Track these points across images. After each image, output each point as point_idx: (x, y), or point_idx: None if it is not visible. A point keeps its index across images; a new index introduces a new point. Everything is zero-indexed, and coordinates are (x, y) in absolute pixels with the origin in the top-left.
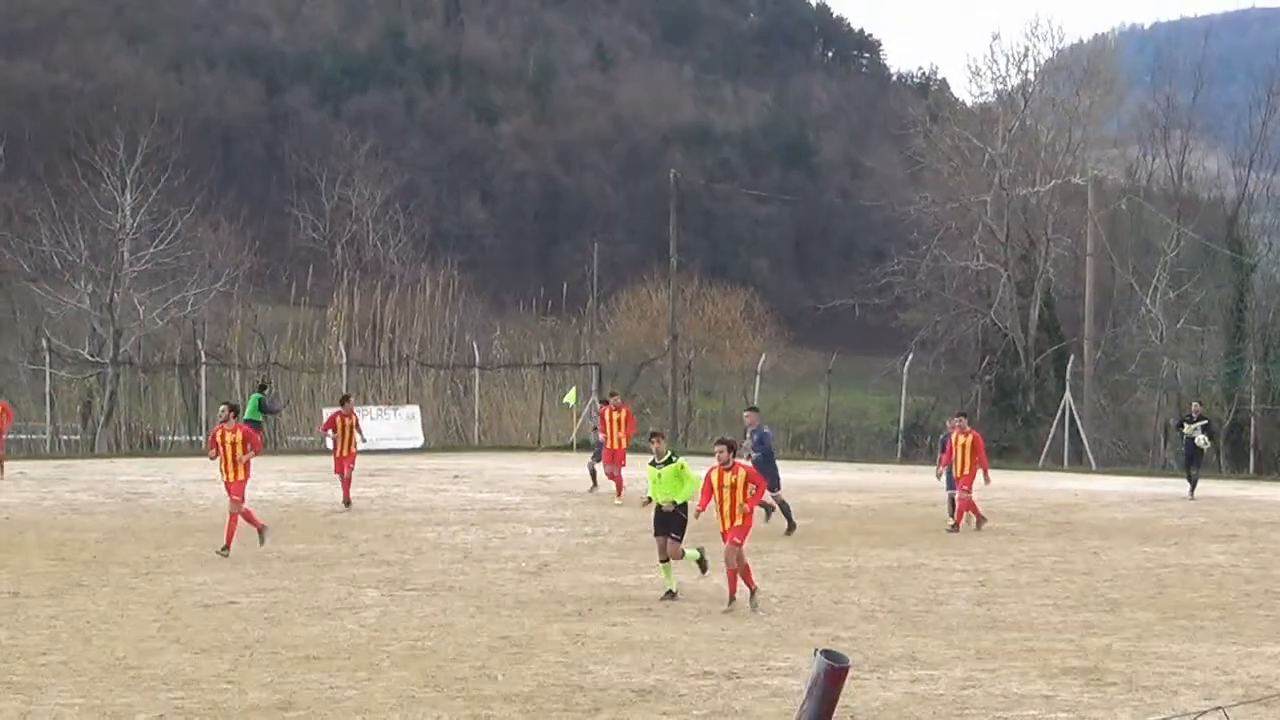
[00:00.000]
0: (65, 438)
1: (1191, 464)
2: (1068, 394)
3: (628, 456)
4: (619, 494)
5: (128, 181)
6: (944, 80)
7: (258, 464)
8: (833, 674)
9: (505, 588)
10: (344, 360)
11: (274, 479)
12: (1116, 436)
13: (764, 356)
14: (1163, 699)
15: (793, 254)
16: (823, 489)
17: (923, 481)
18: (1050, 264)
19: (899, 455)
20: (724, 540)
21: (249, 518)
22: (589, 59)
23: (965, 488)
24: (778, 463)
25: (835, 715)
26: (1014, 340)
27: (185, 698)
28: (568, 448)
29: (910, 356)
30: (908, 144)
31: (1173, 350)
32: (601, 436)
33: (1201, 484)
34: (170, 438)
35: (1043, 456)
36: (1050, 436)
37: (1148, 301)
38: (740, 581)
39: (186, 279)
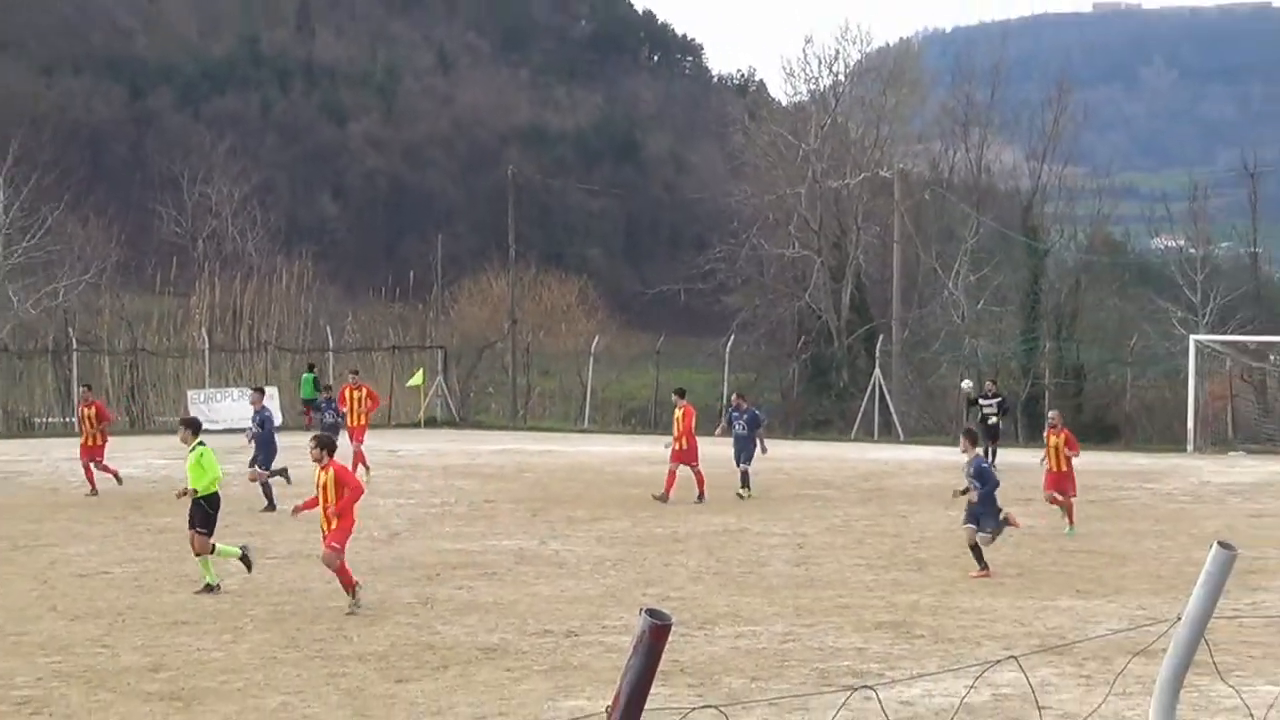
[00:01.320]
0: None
1: (990, 439)
2: (877, 370)
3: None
4: (367, 469)
5: (1, 180)
6: (761, 81)
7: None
8: (656, 631)
9: (359, 555)
10: (206, 346)
11: (143, 456)
12: (922, 409)
13: (597, 338)
14: (966, 649)
15: (623, 243)
16: (652, 460)
17: None
18: (860, 251)
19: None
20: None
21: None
22: (432, 64)
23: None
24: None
25: (665, 668)
26: (828, 321)
27: (63, 662)
28: (415, 425)
29: (732, 337)
30: (728, 141)
31: (973, 329)
32: (343, 411)
33: (1001, 452)
34: (44, 420)
35: (855, 428)
36: (861, 410)
37: (950, 285)
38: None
39: (58, 271)
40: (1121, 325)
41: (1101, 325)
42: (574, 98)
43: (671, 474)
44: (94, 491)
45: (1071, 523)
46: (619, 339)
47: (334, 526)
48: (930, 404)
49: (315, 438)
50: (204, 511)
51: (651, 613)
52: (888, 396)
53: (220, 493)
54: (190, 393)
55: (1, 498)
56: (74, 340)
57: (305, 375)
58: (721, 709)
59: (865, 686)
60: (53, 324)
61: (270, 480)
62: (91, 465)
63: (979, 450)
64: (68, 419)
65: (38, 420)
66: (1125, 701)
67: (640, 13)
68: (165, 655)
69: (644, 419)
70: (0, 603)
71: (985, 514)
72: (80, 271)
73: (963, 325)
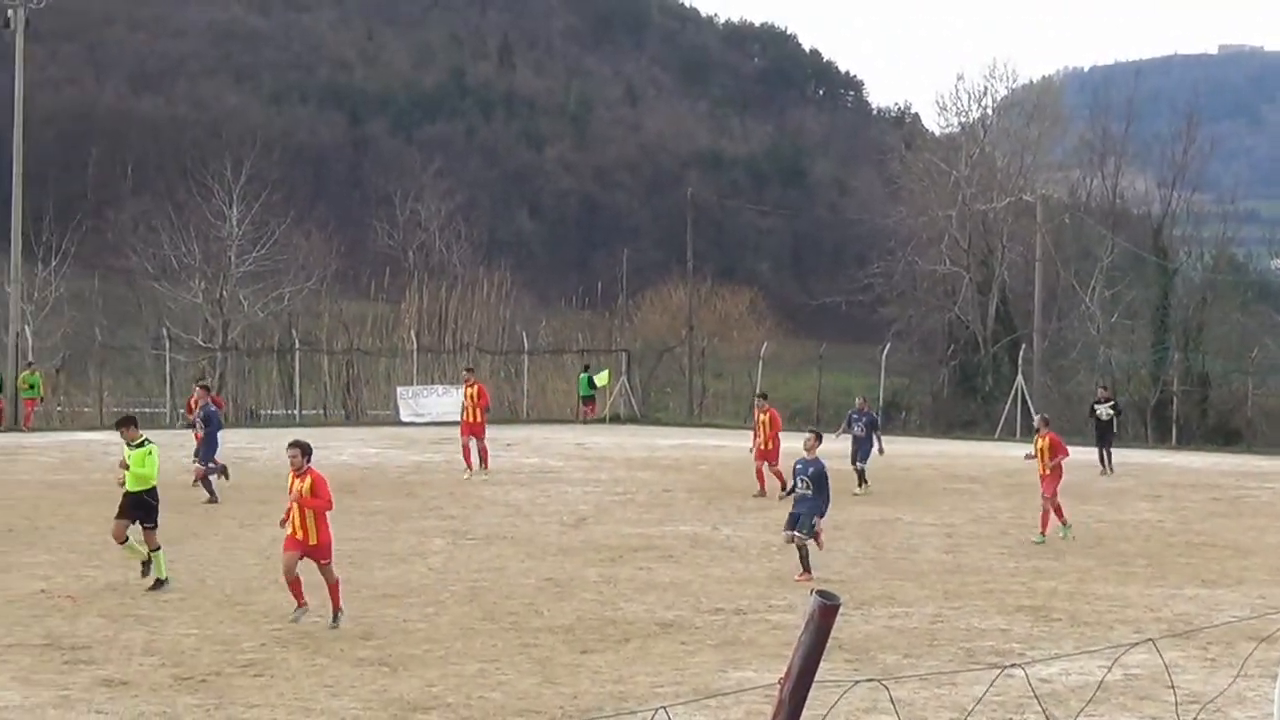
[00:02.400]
0: (181, 412)
1: (1102, 442)
2: (1020, 377)
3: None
4: (485, 466)
5: (234, 197)
6: (916, 114)
7: (342, 433)
8: (825, 610)
9: (550, 537)
10: (415, 347)
11: (355, 445)
12: (1060, 412)
13: (765, 344)
14: (1100, 633)
15: (790, 259)
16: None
17: (898, 450)
18: (1005, 268)
19: (880, 427)
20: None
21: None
22: (621, 95)
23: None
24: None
25: (826, 646)
26: (975, 331)
27: (282, 629)
28: (601, 420)
29: (888, 345)
30: (886, 167)
31: (1108, 340)
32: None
33: (1133, 453)
34: (269, 411)
35: (998, 429)
36: (1005, 412)
37: (1087, 299)
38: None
39: (283, 278)
40: (1244, 338)
41: (1225, 338)
42: (747, 127)
43: (759, 471)
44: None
45: (1043, 530)
46: (785, 345)
47: (311, 541)
48: (1068, 408)
49: (295, 443)
50: (148, 507)
51: (821, 594)
52: (1029, 400)
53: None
54: (399, 389)
55: (231, 481)
56: (297, 341)
57: (581, 375)
58: (882, 682)
59: (1014, 666)
60: (278, 326)
61: (211, 475)
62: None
63: (819, 453)
64: (290, 411)
65: (263, 412)
66: (1247, 683)
67: (808, 51)
68: (374, 625)
69: (808, 418)
70: (229, 574)
71: (804, 515)
72: (303, 279)
73: (1098, 336)
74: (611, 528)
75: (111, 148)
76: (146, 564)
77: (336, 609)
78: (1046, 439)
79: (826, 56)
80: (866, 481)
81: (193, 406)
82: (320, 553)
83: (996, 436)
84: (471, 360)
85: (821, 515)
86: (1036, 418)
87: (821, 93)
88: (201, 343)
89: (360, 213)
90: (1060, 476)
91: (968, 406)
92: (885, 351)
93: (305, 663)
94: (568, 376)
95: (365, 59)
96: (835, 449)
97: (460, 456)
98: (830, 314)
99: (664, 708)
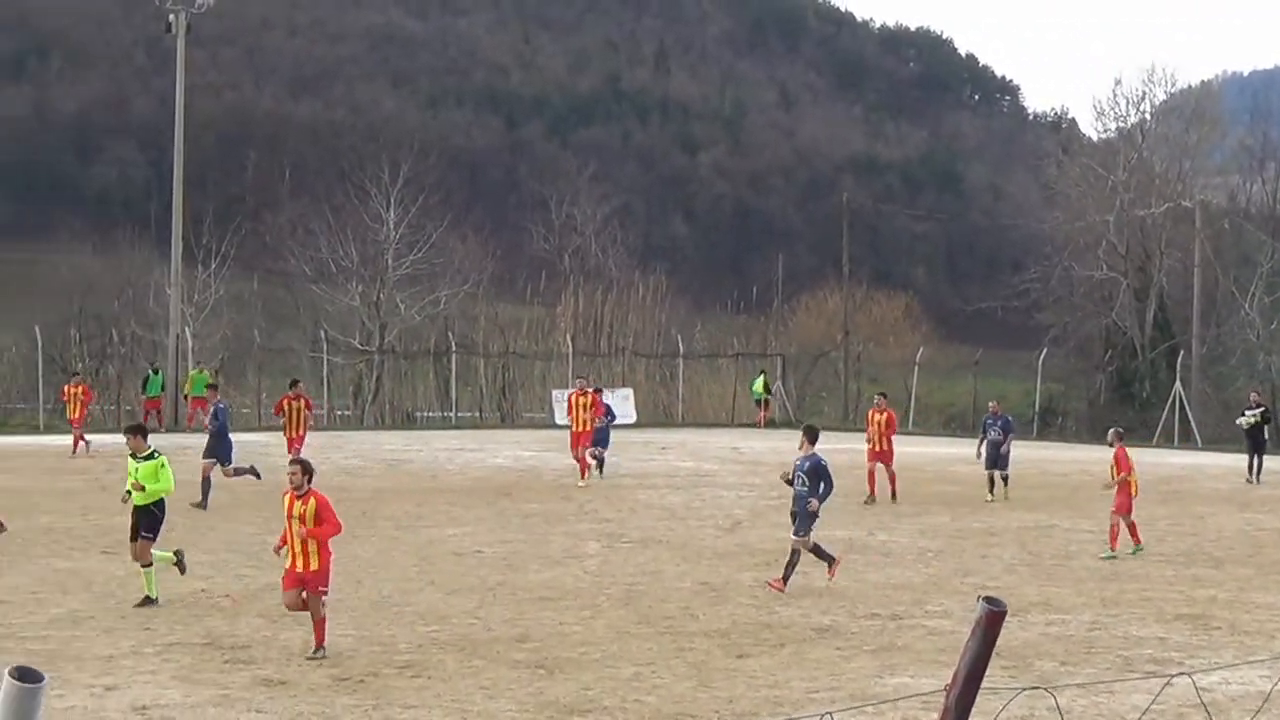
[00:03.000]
0: (339, 413)
1: (1253, 450)
2: (1178, 383)
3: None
4: (583, 476)
5: (391, 200)
6: (1073, 119)
7: (497, 435)
8: (992, 617)
9: (705, 541)
10: (570, 350)
11: (510, 448)
12: (1219, 419)
13: (921, 349)
14: (1260, 641)
15: (945, 264)
16: (969, 461)
17: (1055, 455)
18: (1163, 274)
19: (1034, 433)
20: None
21: None
22: (775, 100)
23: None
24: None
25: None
26: (1132, 338)
27: (439, 631)
28: (756, 424)
29: (1044, 351)
30: (1042, 172)
31: (1268, 346)
32: (568, 420)
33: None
34: (425, 414)
35: (1156, 436)
36: (1162, 419)
37: (1246, 306)
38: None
39: (439, 281)
40: None
41: None
42: (902, 131)
43: (871, 473)
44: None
45: (1133, 540)
46: (940, 350)
47: (312, 567)
48: (1226, 414)
49: (295, 460)
50: (153, 517)
51: (989, 600)
52: (1187, 407)
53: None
54: (554, 392)
55: (387, 482)
56: (453, 344)
57: (755, 380)
58: (1048, 689)
59: (1179, 675)
60: (434, 329)
61: (242, 473)
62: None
63: (816, 449)
64: (446, 413)
65: (419, 414)
66: None
67: (963, 55)
68: (530, 628)
69: (963, 424)
70: (385, 576)
71: (803, 515)
72: (459, 282)
73: (1257, 343)
74: (766, 532)
75: (270, 151)
76: (179, 564)
77: (320, 644)
78: (1114, 453)
79: (982, 61)
80: (1006, 486)
81: (282, 408)
82: (317, 580)
83: (1154, 443)
84: (626, 364)
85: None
86: (1110, 432)
87: (977, 97)
88: (358, 345)
89: (516, 216)
90: (1129, 493)
91: (1125, 413)
92: (1041, 357)
93: (462, 664)
94: (722, 380)
95: (521, 63)
96: (964, 453)
97: (587, 466)
98: (985, 319)
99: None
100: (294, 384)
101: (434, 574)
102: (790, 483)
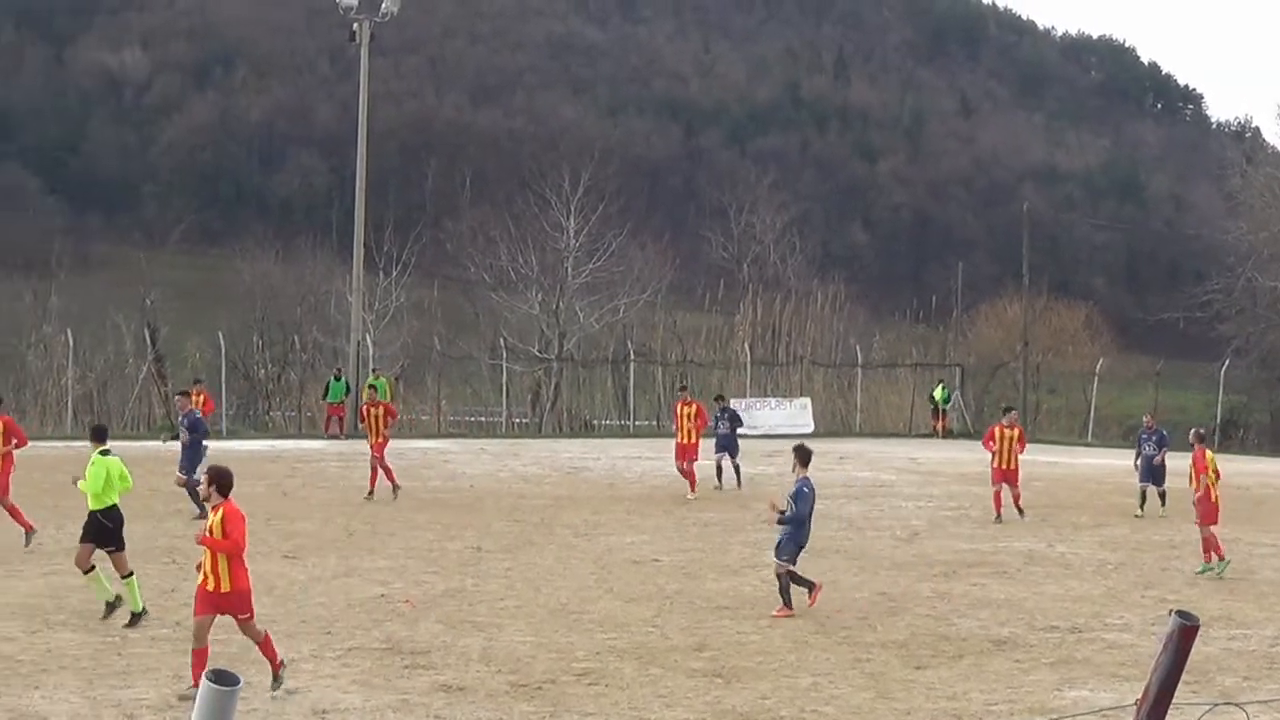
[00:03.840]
0: (517, 420)
1: None
2: None
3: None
4: (692, 489)
5: (571, 209)
6: (1257, 128)
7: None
8: (1186, 632)
9: (882, 551)
10: (748, 359)
11: None
12: None
13: (1100, 360)
14: None
15: (1125, 274)
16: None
17: (1238, 469)
18: None
19: (1216, 445)
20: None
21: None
22: (955, 108)
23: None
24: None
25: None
26: None
27: (617, 639)
28: (934, 435)
29: (1226, 362)
30: (1225, 182)
31: None
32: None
33: None
34: (603, 422)
35: None
36: None
37: None
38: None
39: (618, 289)
40: None
41: None
42: (1083, 140)
43: (998, 495)
44: (371, 494)
45: (1217, 557)
46: (1120, 361)
47: (223, 588)
48: None
49: (209, 469)
50: (104, 528)
51: (1181, 614)
52: None
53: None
54: (731, 401)
55: (565, 490)
56: (631, 352)
57: (936, 388)
58: (1242, 705)
59: None
60: (613, 337)
61: (193, 488)
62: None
63: (807, 472)
64: (623, 422)
65: (596, 422)
66: None
67: (1146, 64)
68: (708, 636)
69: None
70: (563, 584)
71: (786, 542)
72: (638, 291)
73: None
74: (944, 543)
75: (451, 159)
76: (111, 605)
77: (276, 669)
78: (1193, 458)
79: (1165, 69)
80: (1163, 503)
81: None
82: (236, 604)
83: None
84: (804, 373)
85: (797, 542)
86: (1191, 433)
87: (1160, 106)
88: (537, 353)
89: (695, 224)
90: (1210, 500)
91: None
92: (1224, 369)
93: (639, 672)
94: (900, 390)
95: (701, 71)
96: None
97: (711, 475)
98: (1167, 330)
99: None
100: (197, 381)
101: (612, 582)
102: (782, 514)
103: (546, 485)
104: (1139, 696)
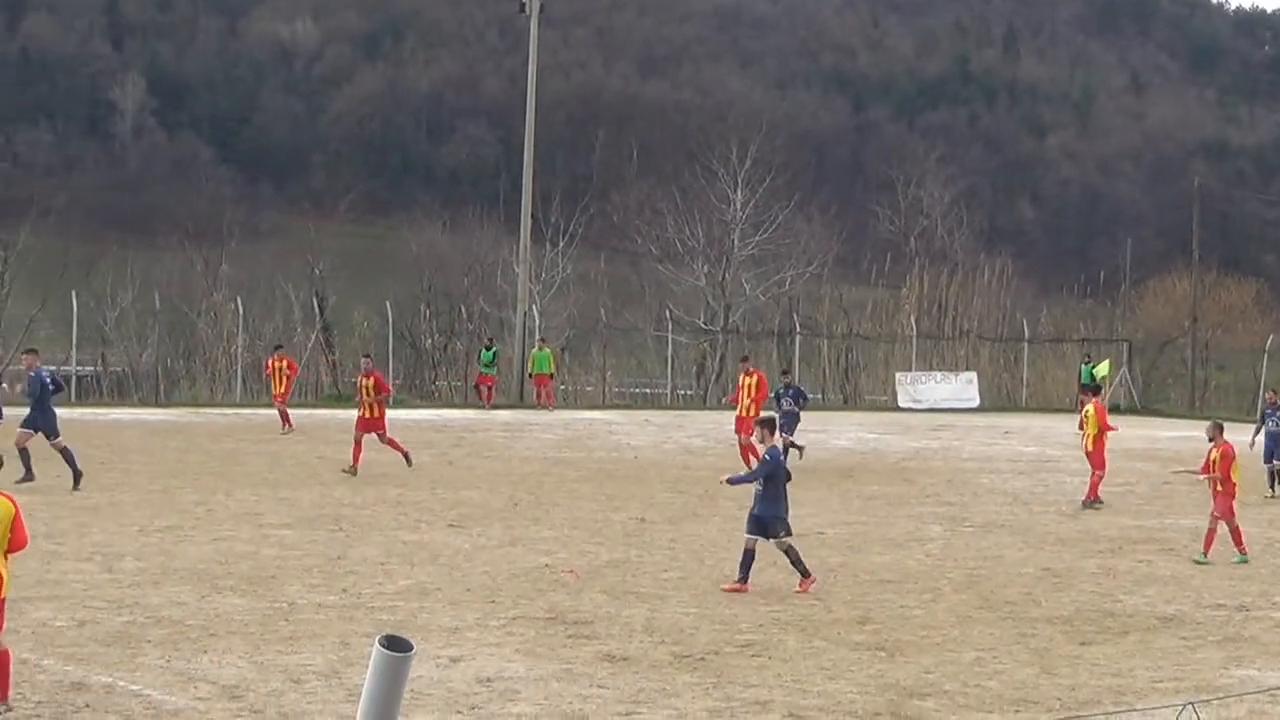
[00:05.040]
0: (682, 392)
1: None
2: None
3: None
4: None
5: (738, 181)
6: None
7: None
8: None
9: (1048, 527)
10: (914, 333)
11: (853, 430)
12: None
13: (1271, 337)
14: None
15: None
16: None
17: None
18: None
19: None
20: None
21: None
22: (1125, 83)
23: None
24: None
25: None
26: None
27: (781, 611)
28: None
29: None
30: None
31: None
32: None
33: None
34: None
35: None
36: None
37: None
38: None
39: (784, 262)
40: None
41: None
42: (1255, 116)
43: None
44: (354, 470)
45: (1239, 549)
46: None
47: None
48: None
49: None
50: None
51: None
52: None
53: None
54: (897, 374)
55: (731, 462)
56: (797, 324)
57: (1083, 366)
58: None
59: None
60: (778, 309)
61: (70, 457)
62: (363, 440)
63: (778, 441)
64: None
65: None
66: None
67: None
68: (871, 610)
69: None
70: (727, 555)
71: (772, 520)
72: (804, 263)
73: None
74: (1110, 519)
75: (618, 131)
76: None
77: (4, 696)
78: (1219, 450)
79: None
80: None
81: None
82: None
83: None
84: (970, 347)
85: (779, 515)
86: (1209, 424)
87: None
88: (703, 325)
89: (862, 198)
90: (1230, 493)
91: None
92: None
93: (803, 645)
94: (1067, 365)
95: (869, 44)
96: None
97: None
98: None
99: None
100: (278, 347)
101: (775, 554)
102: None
103: (710, 457)
104: None
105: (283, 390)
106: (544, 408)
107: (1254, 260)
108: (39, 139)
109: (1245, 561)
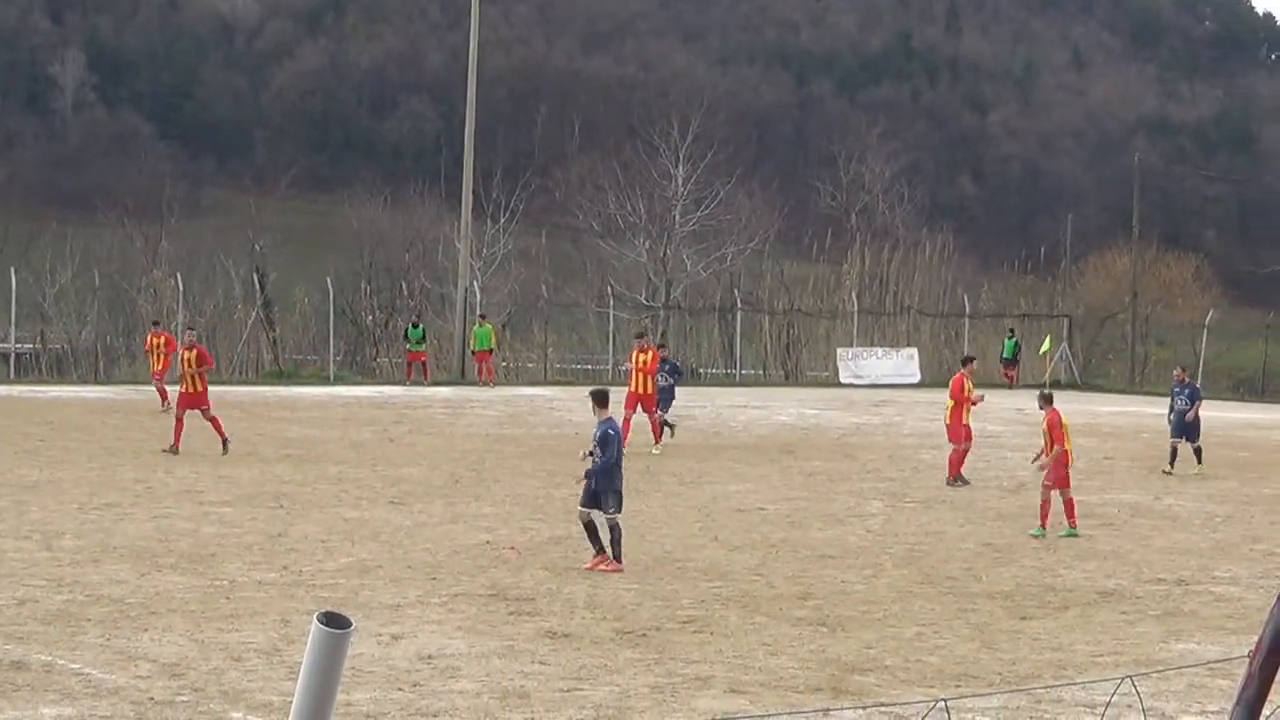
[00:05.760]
0: (623, 368)
1: None
2: None
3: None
4: (658, 440)
5: (680, 157)
6: None
7: (781, 393)
8: None
9: (989, 502)
10: (855, 309)
11: (794, 406)
12: None
13: (1211, 312)
14: None
15: (1236, 227)
16: (1259, 426)
17: None
18: None
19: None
20: None
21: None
22: (1067, 59)
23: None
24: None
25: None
26: None
27: (722, 587)
28: (1042, 386)
29: None
30: None
31: None
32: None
33: None
34: (709, 370)
35: None
36: None
37: None
38: None
39: (726, 238)
40: None
41: None
42: (1195, 92)
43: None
44: (175, 449)
45: (1044, 523)
46: (1230, 314)
47: None
48: None
49: None
50: None
51: None
52: None
53: None
54: (839, 350)
55: (667, 440)
56: (738, 300)
57: (1006, 340)
58: None
59: None
60: (720, 285)
61: None
62: (185, 418)
63: (609, 414)
64: (729, 371)
65: (703, 370)
66: None
67: (1260, 14)
68: (813, 585)
69: (1252, 388)
70: (668, 531)
71: (607, 492)
72: (746, 239)
73: None
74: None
75: (560, 107)
76: None
77: None
78: (1047, 420)
79: None
80: (1200, 461)
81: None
82: None
83: None
84: (911, 323)
85: (616, 489)
86: (1039, 394)
87: (1274, 57)
88: (644, 301)
89: (804, 174)
90: (1065, 464)
91: None
92: None
93: (744, 620)
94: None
95: (812, 20)
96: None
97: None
98: (1278, 283)
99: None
100: (155, 324)
101: (717, 530)
102: (588, 456)
103: (651, 434)
104: (1250, 649)
105: (160, 368)
106: (485, 384)
107: (1194, 236)
108: None
109: (1075, 535)
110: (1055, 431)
